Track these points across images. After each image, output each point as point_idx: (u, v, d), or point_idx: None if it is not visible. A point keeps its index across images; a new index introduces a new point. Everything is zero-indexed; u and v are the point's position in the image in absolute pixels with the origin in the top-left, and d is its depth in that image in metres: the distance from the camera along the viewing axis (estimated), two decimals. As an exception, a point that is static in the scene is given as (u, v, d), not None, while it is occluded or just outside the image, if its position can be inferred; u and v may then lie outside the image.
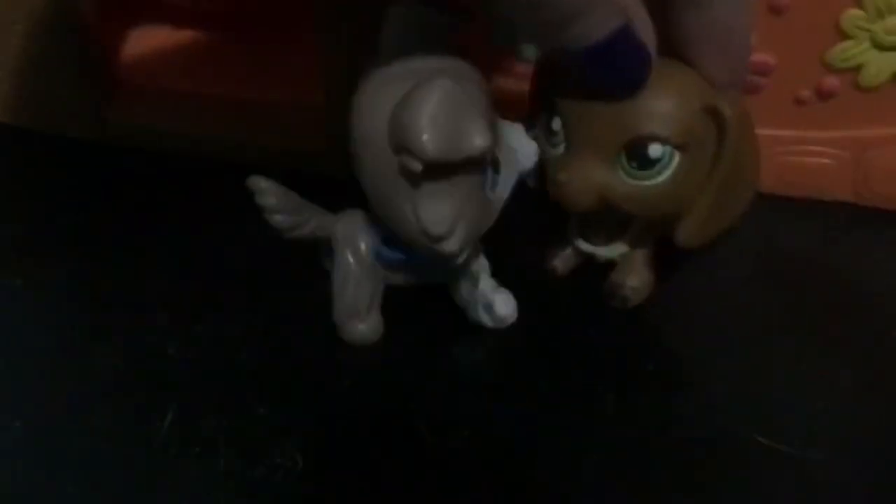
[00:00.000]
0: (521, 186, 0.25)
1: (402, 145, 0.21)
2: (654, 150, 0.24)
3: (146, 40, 0.37)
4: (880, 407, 0.25)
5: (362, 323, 0.26)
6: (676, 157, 0.24)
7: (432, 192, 0.22)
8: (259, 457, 0.23)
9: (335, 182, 0.26)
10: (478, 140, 0.21)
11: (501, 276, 0.27)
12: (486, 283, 0.26)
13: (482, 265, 0.27)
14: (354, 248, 0.26)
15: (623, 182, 0.24)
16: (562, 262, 0.29)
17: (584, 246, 0.28)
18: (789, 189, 0.33)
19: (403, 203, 0.23)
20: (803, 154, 0.33)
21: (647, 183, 0.24)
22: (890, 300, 0.29)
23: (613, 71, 0.22)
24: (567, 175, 0.24)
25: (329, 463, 0.23)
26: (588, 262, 0.28)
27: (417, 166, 0.21)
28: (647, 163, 0.24)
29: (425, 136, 0.21)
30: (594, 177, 0.24)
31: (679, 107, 0.23)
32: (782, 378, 0.26)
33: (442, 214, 0.22)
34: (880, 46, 0.30)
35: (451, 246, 0.23)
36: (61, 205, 0.33)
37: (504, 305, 0.27)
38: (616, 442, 0.24)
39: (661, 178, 0.24)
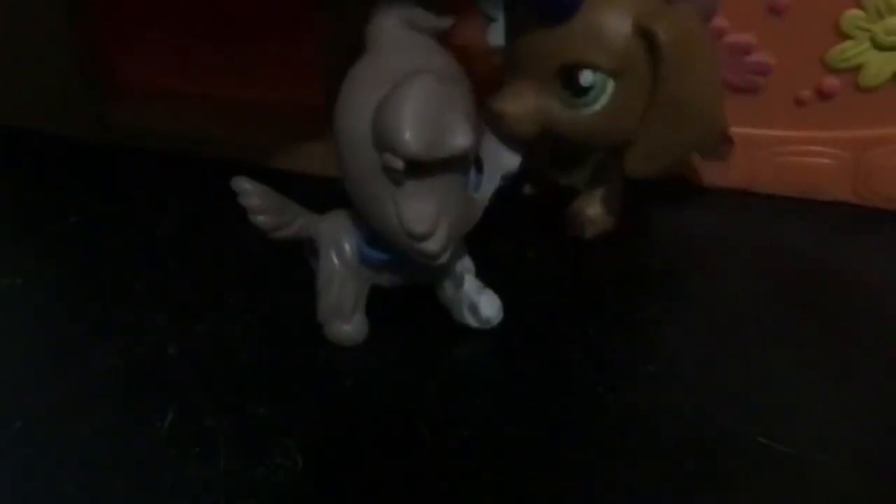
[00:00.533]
0: (512, 187, 0.25)
1: (384, 143, 0.21)
2: (586, 77, 0.23)
3: (147, 41, 0.37)
4: (881, 407, 0.25)
5: (347, 324, 0.26)
6: (610, 84, 0.23)
7: (415, 192, 0.22)
8: (259, 457, 0.23)
9: (334, 182, 0.26)
10: (460, 138, 0.21)
11: (502, 276, 0.27)
12: (471, 284, 0.26)
13: (466, 266, 0.27)
14: (339, 248, 0.26)
15: (560, 110, 0.24)
16: (531, 185, 0.28)
17: (549, 170, 0.27)
18: (789, 189, 0.33)
19: (386, 202, 0.22)
20: (803, 154, 0.33)
21: (583, 111, 0.23)
22: (890, 300, 0.29)
23: None
24: (502, 105, 0.24)
25: (329, 463, 0.23)
26: (563, 196, 0.28)
27: (400, 164, 0.21)
28: (580, 90, 0.23)
29: (408, 134, 0.21)
30: (529, 105, 0.24)
31: (611, 31, 0.22)
32: (783, 379, 0.26)
33: (424, 214, 0.22)
34: (880, 47, 0.30)
35: (433, 246, 0.23)
36: (61, 204, 0.33)
37: (488, 306, 0.26)
38: (617, 443, 0.24)
39: (596, 106, 0.23)
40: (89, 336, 0.27)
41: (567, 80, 0.23)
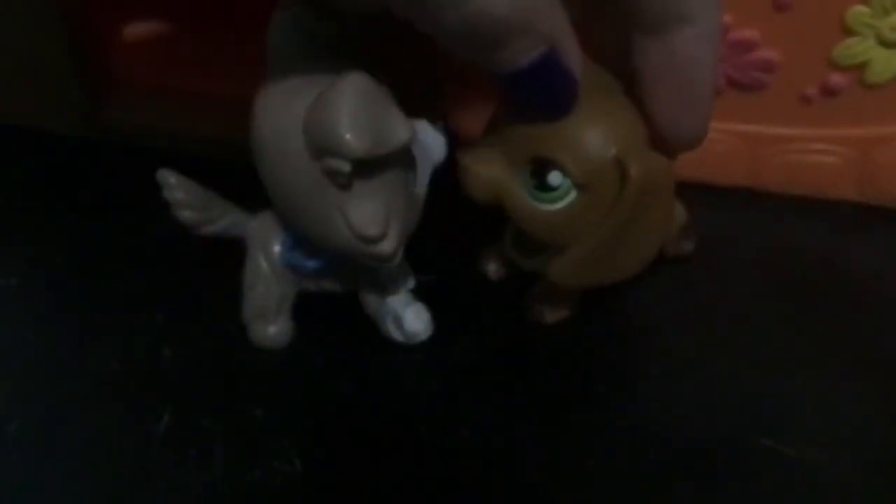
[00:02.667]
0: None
1: (324, 148, 0.21)
2: (555, 177, 0.23)
3: (142, 37, 0.37)
4: (885, 408, 0.25)
5: (272, 325, 0.26)
6: (573, 194, 0.23)
7: (360, 193, 0.22)
8: (256, 459, 0.23)
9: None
10: (402, 132, 0.21)
11: (495, 284, 0.27)
12: (396, 295, 0.26)
13: (390, 275, 0.26)
14: (267, 249, 0.26)
15: (519, 195, 0.24)
16: (494, 267, 0.29)
17: (511, 253, 0.27)
18: (794, 187, 0.33)
19: (328, 210, 0.22)
20: (808, 152, 0.32)
21: (539, 206, 0.24)
22: (895, 300, 0.29)
23: (536, 97, 0.22)
24: (470, 163, 0.24)
25: (327, 465, 0.23)
26: (521, 271, 0.28)
27: (346, 167, 0.21)
28: (545, 186, 0.23)
29: (349, 135, 0.20)
30: (494, 175, 0.24)
31: (593, 148, 0.23)
32: (786, 378, 0.26)
33: (375, 215, 0.22)
34: (886, 43, 0.30)
35: (387, 246, 0.22)
36: (56, 203, 0.33)
37: (414, 321, 0.26)
38: (618, 444, 0.24)
39: (553, 207, 0.24)
40: (84, 337, 0.27)
41: (537, 171, 0.23)
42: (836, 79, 0.31)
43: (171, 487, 0.23)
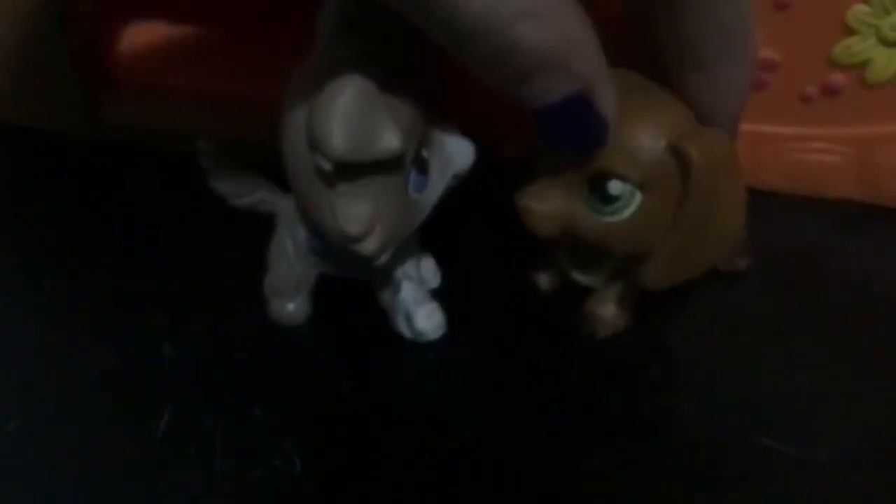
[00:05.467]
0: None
1: (314, 144, 0.21)
2: (615, 186, 0.23)
3: (142, 36, 0.37)
4: (887, 409, 0.25)
5: (289, 302, 0.27)
6: (638, 196, 0.23)
7: (349, 192, 0.22)
8: (256, 458, 0.23)
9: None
10: (389, 141, 0.21)
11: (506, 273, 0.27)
12: (409, 292, 0.26)
13: (407, 272, 0.26)
14: (294, 229, 0.26)
15: (586, 216, 0.24)
16: (545, 279, 0.28)
17: (567, 268, 0.27)
18: (794, 187, 0.33)
19: (322, 201, 0.22)
20: (809, 151, 0.32)
21: (609, 219, 0.24)
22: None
23: (563, 135, 0.22)
24: (528, 202, 0.24)
25: (327, 465, 0.23)
26: (572, 286, 0.28)
27: (328, 166, 0.21)
28: (608, 198, 0.23)
29: (334, 136, 0.20)
30: (556, 206, 0.24)
31: (645, 146, 0.23)
32: (788, 379, 0.26)
33: (359, 214, 0.22)
34: (886, 42, 0.30)
35: (369, 247, 0.22)
36: (56, 203, 0.33)
37: (425, 319, 0.26)
38: (619, 444, 0.24)
39: (623, 216, 0.23)
40: (84, 336, 0.27)
41: (596, 187, 0.23)
42: (837, 78, 0.31)
43: (171, 487, 0.23)
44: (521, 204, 0.24)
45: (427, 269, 0.28)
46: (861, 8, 0.29)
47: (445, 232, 0.26)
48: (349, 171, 0.21)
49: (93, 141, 0.36)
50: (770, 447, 0.23)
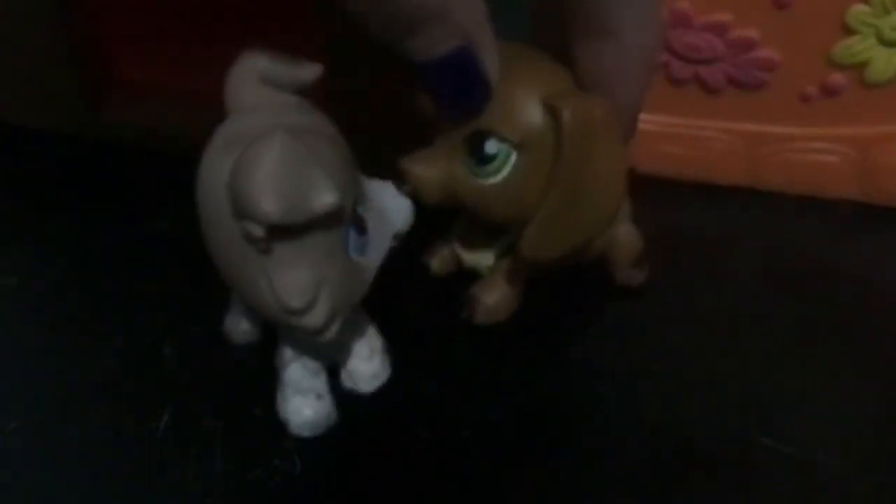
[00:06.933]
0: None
1: (241, 211, 0.19)
2: (490, 145, 0.23)
3: (142, 37, 0.37)
4: (886, 408, 0.25)
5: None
6: (513, 156, 0.23)
7: (286, 260, 0.20)
8: (256, 458, 0.23)
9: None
10: (325, 196, 0.19)
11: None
12: (294, 375, 0.24)
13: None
14: None
15: (466, 179, 0.24)
16: (438, 261, 0.28)
17: (457, 248, 0.27)
18: (794, 187, 0.33)
19: (256, 275, 0.20)
20: (809, 151, 0.32)
21: (487, 181, 0.24)
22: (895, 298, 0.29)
23: (446, 90, 0.22)
24: (410, 165, 0.24)
25: (327, 465, 0.23)
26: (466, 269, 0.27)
27: (259, 232, 0.19)
28: (484, 158, 0.23)
29: (264, 199, 0.18)
30: (438, 169, 0.24)
31: (519, 104, 0.23)
32: (787, 379, 0.26)
33: (299, 284, 0.20)
34: (886, 42, 0.30)
35: (315, 319, 0.21)
36: (56, 203, 0.33)
37: (295, 412, 0.24)
38: (619, 443, 0.24)
39: (499, 177, 0.23)
40: (84, 336, 0.27)
41: (473, 147, 0.23)
42: (837, 78, 0.31)
43: (171, 486, 0.23)
44: (404, 167, 0.24)
45: (362, 370, 0.25)
46: (861, 8, 0.29)
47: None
48: (283, 236, 0.20)
49: (92, 141, 0.36)
50: (770, 447, 0.23)
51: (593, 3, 0.22)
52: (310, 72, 0.22)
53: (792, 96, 0.32)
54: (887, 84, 0.31)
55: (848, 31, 0.30)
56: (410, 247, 0.24)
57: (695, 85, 0.33)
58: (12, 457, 0.24)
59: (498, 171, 0.23)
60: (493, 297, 0.26)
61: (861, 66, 0.30)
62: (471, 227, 0.27)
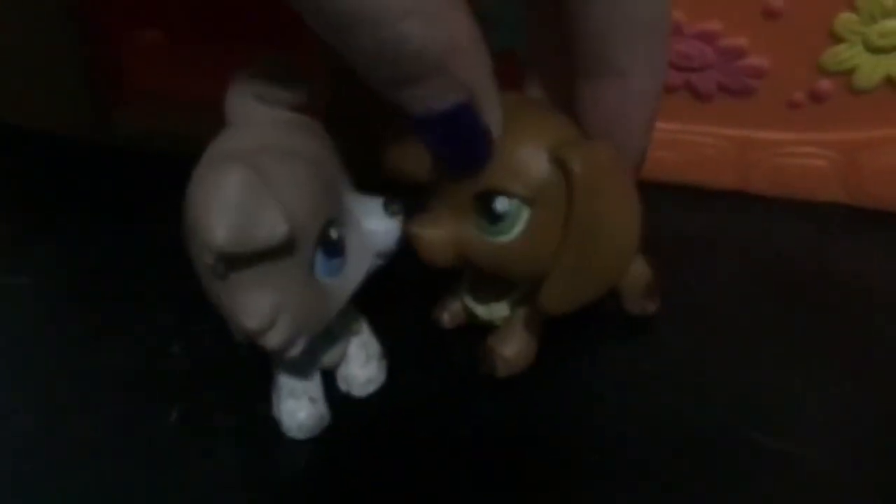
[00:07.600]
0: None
1: (193, 236, 0.20)
2: (501, 203, 0.22)
3: (151, 43, 0.37)
4: (878, 406, 0.25)
5: None
6: (526, 212, 0.22)
7: (246, 283, 0.20)
8: (263, 455, 0.23)
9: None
10: (273, 227, 0.19)
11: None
12: (287, 377, 0.24)
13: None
14: None
15: (477, 238, 0.23)
16: (450, 315, 0.27)
17: (468, 301, 0.26)
18: (783, 191, 0.33)
19: (221, 296, 0.21)
20: (797, 156, 0.33)
21: (499, 239, 0.22)
22: (885, 299, 0.29)
23: (444, 146, 0.21)
24: (418, 229, 0.23)
25: (333, 462, 0.24)
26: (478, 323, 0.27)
27: (209, 259, 0.19)
28: (495, 217, 0.22)
29: (212, 228, 0.19)
30: (447, 231, 0.23)
31: (526, 159, 0.22)
32: (781, 378, 0.26)
33: (256, 307, 0.20)
34: (873, 49, 0.30)
35: (273, 340, 0.21)
36: (65, 205, 0.33)
37: (288, 414, 0.24)
38: (616, 441, 0.24)
39: (512, 234, 0.22)
40: (93, 335, 0.27)
41: (483, 206, 0.22)
42: (824, 84, 0.31)
43: (179, 483, 0.23)
44: (410, 232, 0.23)
45: (357, 375, 0.25)
46: (848, 16, 0.29)
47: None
48: (242, 262, 0.20)
49: (102, 146, 0.36)
50: (764, 444, 0.23)
51: (599, 42, 0.21)
52: (306, 91, 0.22)
53: (781, 102, 0.32)
54: (874, 90, 0.31)
55: (836, 38, 0.30)
56: (410, 249, 0.24)
57: (686, 92, 0.33)
58: (22, 455, 0.24)
59: (511, 228, 0.22)
60: (513, 349, 0.25)
61: (848, 73, 0.31)
62: (481, 279, 0.26)
